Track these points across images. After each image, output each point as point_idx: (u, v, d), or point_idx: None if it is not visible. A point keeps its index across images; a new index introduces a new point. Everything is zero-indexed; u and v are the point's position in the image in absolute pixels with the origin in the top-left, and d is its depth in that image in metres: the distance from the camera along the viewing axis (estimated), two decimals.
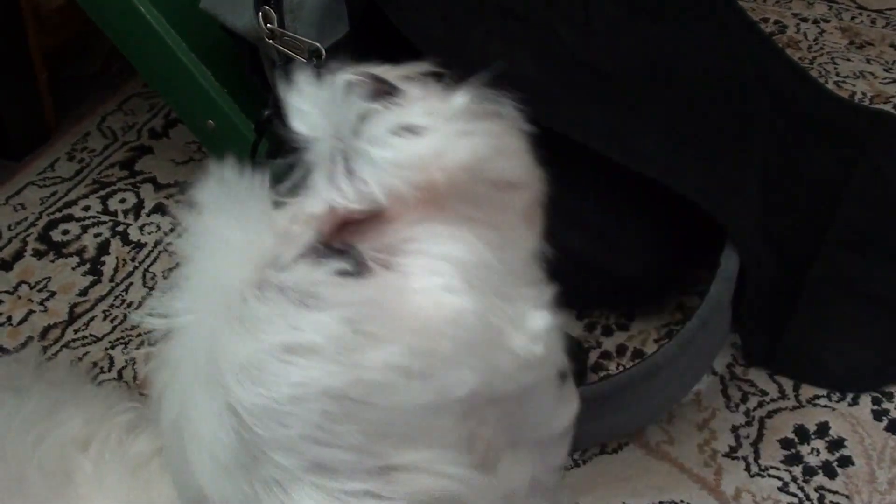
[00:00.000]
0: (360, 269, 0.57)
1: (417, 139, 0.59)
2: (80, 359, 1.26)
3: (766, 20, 1.85)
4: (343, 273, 0.56)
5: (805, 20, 1.86)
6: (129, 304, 1.34)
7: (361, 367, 0.53)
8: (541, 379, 0.62)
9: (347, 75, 0.62)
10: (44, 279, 1.39)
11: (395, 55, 1.20)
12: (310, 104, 0.61)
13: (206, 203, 0.59)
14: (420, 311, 0.56)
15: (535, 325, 0.60)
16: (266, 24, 1.16)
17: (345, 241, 0.58)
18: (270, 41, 1.16)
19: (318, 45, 1.15)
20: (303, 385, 0.53)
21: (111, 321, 1.32)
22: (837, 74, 1.70)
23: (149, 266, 1.40)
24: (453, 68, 1.16)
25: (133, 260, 1.41)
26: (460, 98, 0.63)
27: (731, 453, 1.14)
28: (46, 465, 0.79)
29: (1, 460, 0.79)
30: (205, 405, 0.55)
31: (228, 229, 0.58)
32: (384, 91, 0.62)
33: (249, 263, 0.56)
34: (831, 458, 1.14)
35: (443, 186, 0.59)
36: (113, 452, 0.81)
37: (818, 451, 1.15)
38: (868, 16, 1.86)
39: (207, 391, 0.55)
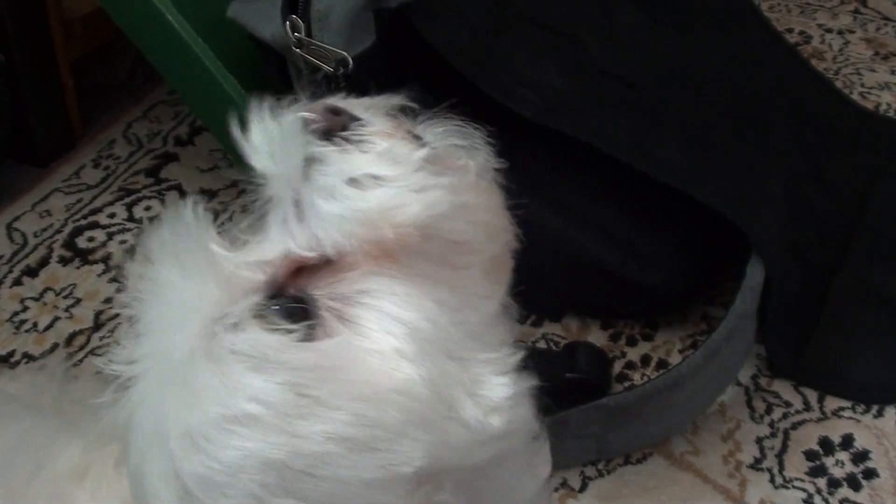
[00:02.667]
0: (311, 322, 0.54)
1: (368, 192, 0.55)
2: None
3: (790, 31, 1.85)
4: (293, 333, 0.53)
5: (830, 31, 1.86)
6: None
7: (303, 437, 0.51)
8: (505, 451, 0.58)
9: (302, 111, 0.58)
10: (69, 286, 1.39)
11: (421, 64, 1.21)
12: (263, 141, 0.58)
13: (155, 251, 0.56)
14: (368, 377, 0.53)
15: (492, 394, 0.56)
16: (293, 33, 1.17)
17: (300, 286, 0.55)
18: (297, 50, 1.17)
19: (345, 54, 1.15)
20: (243, 456, 0.52)
21: None
22: (862, 85, 1.70)
23: None
24: (479, 78, 1.16)
25: None
26: (423, 146, 0.58)
27: (756, 465, 1.14)
28: (41, 500, 0.75)
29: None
30: (155, 464, 0.54)
31: (176, 280, 0.55)
32: (340, 126, 0.57)
33: (196, 320, 0.54)
34: (856, 470, 1.13)
35: (393, 244, 0.55)
36: (110, 484, 0.76)
37: (843, 463, 1.14)
38: (893, 27, 1.85)
39: (157, 452, 0.54)
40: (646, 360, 1.26)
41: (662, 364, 1.26)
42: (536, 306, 1.32)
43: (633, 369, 1.25)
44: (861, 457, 1.15)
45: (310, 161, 0.56)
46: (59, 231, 1.49)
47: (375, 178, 0.55)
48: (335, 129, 0.57)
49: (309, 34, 1.17)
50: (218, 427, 0.52)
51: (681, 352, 1.27)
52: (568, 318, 1.32)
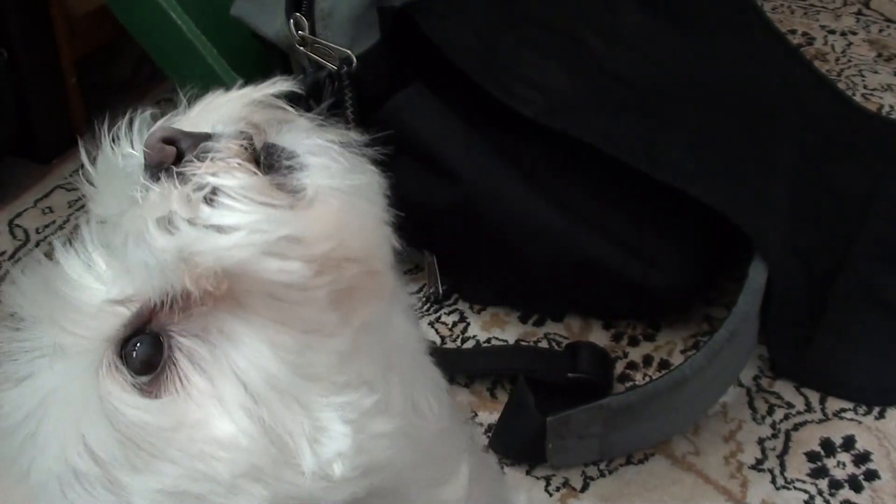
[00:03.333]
0: (162, 367, 0.51)
1: (172, 237, 0.49)
2: None
3: (793, 32, 1.85)
4: (135, 385, 0.50)
5: (833, 32, 1.85)
6: None
7: (136, 493, 0.50)
8: (388, 482, 0.54)
9: (137, 145, 0.53)
10: None
11: (425, 63, 1.21)
12: (98, 179, 0.54)
13: (18, 307, 0.54)
14: (197, 432, 0.50)
15: (332, 444, 0.51)
16: (297, 31, 1.17)
17: (160, 322, 0.51)
18: (301, 48, 1.17)
19: (349, 52, 1.15)
20: None
21: None
22: (865, 87, 1.70)
23: None
24: (483, 78, 1.16)
25: None
26: (258, 172, 0.51)
27: (757, 465, 1.14)
28: None
29: None
30: None
31: (37, 318, 0.53)
32: (174, 157, 0.51)
33: (53, 366, 0.51)
34: (857, 471, 1.13)
35: (198, 293, 0.50)
36: None
37: (844, 465, 1.14)
38: None
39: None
40: (648, 360, 1.26)
41: (664, 364, 1.26)
42: (539, 306, 1.32)
43: (635, 370, 1.25)
44: (862, 458, 1.15)
45: (132, 202, 0.51)
46: (60, 227, 1.48)
47: (188, 220, 0.49)
48: (166, 160, 0.51)
49: (313, 32, 1.17)
50: (56, 480, 0.51)
51: (683, 352, 1.27)
52: (570, 317, 1.32)
